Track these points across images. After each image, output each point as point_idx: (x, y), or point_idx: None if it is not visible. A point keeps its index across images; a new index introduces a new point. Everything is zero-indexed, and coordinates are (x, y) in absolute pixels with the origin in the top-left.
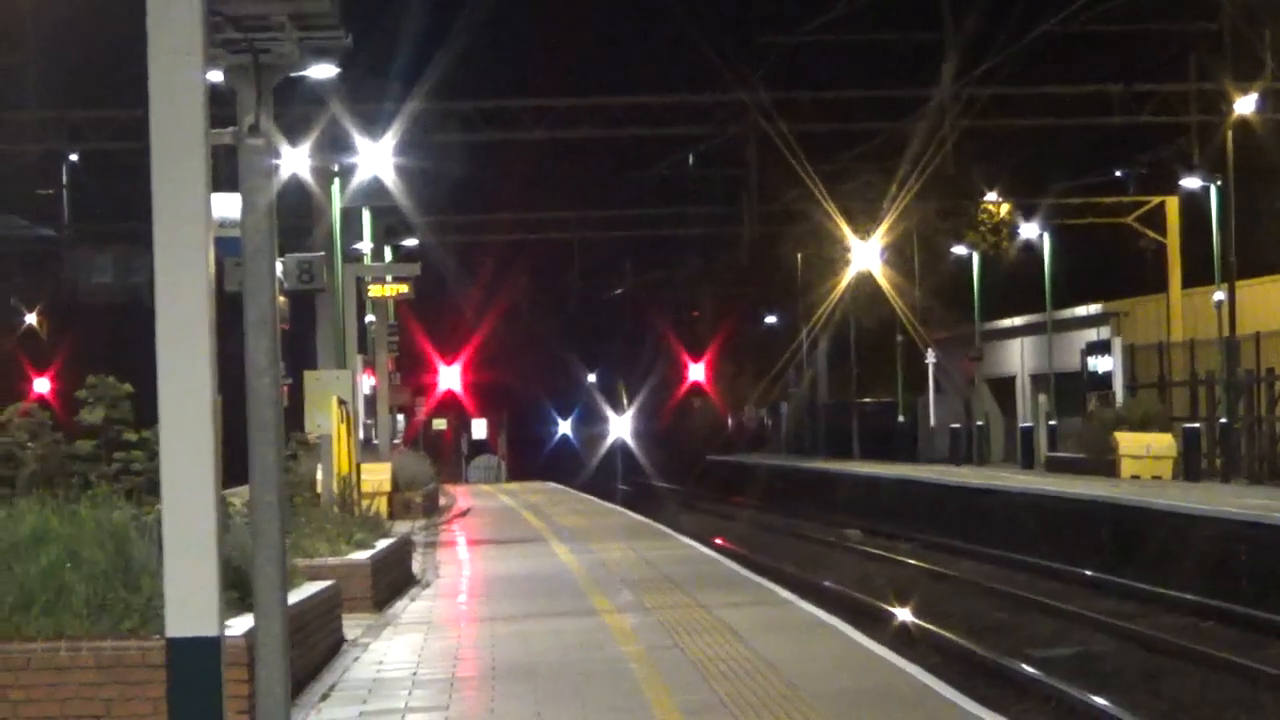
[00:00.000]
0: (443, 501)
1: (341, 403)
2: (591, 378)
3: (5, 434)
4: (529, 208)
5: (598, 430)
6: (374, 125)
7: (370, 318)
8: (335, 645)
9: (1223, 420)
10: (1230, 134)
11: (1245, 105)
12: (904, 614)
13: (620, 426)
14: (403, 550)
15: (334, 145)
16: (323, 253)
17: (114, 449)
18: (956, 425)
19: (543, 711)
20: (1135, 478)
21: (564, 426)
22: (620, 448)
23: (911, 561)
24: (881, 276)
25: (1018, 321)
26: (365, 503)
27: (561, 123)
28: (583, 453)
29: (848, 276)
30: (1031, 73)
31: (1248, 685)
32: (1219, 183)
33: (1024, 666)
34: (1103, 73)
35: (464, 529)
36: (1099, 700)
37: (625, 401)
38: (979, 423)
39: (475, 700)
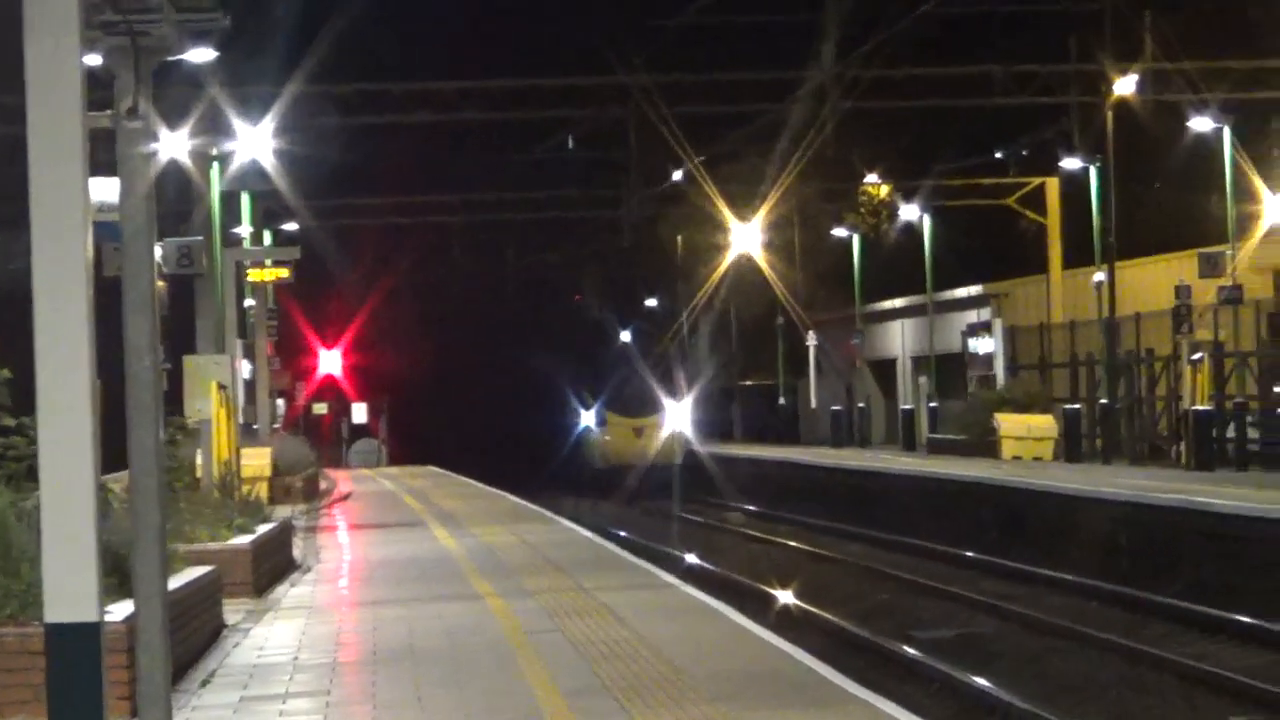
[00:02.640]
0: (323, 486)
1: (221, 387)
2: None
3: None
4: (411, 191)
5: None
6: (254, 108)
7: (250, 302)
8: (216, 631)
9: (1103, 401)
10: (1110, 115)
11: (1125, 86)
12: (788, 597)
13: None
14: (283, 535)
15: (214, 128)
16: (201, 237)
17: None
18: (838, 408)
19: (424, 695)
20: (1016, 459)
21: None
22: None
23: (795, 544)
24: (762, 259)
25: (899, 303)
26: (246, 488)
27: (444, 106)
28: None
29: (728, 259)
30: (914, 54)
31: (1130, 665)
32: (1099, 164)
33: (907, 648)
34: (985, 54)
35: (345, 513)
36: (981, 681)
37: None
38: (860, 405)
39: (357, 685)
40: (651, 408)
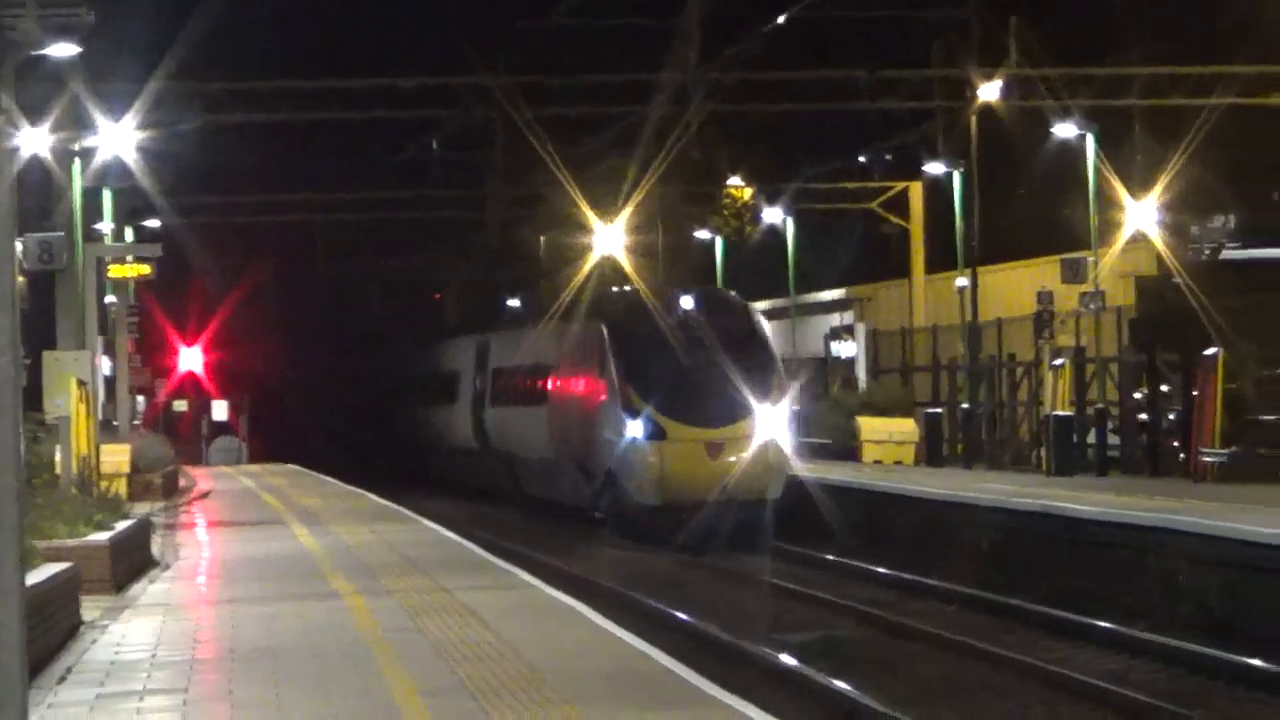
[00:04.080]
0: (183, 483)
1: (81, 384)
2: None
3: None
4: (275, 190)
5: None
6: (118, 105)
7: (111, 299)
8: (73, 627)
9: (964, 406)
10: (974, 120)
11: (989, 92)
12: (651, 600)
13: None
14: (142, 532)
15: (76, 124)
16: (63, 233)
17: None
18: None
19: (282, 694)
20: (877, 462)
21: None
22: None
23: (661, 550)
24: (626, 261)
25: (762, 306)
26: (105, 484)
27: (308, 105)
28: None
29: (591, 261)
30: (779, 58)
31: (992, 669)
32: (963, 169)
33: (766, 650)
34: (850, 59)
35: (204, 511)
36: (839, 683)
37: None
38: None
39: (214, 683)
40: (738, 410)
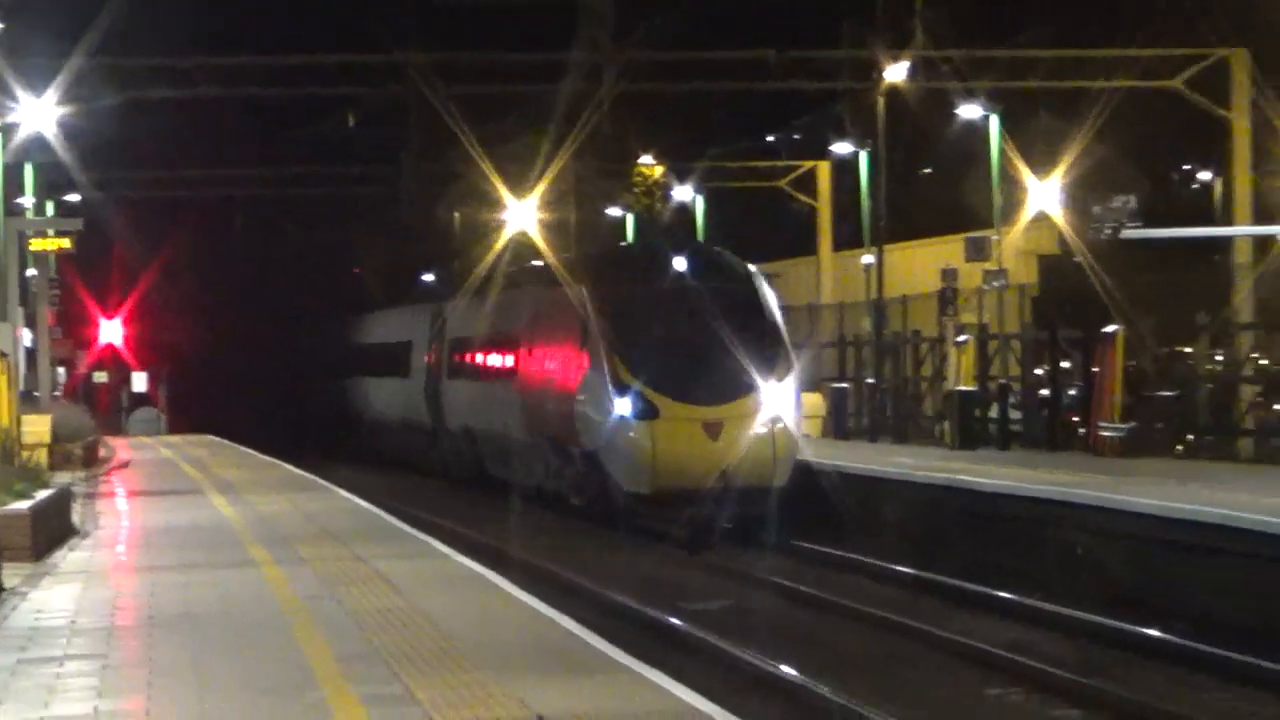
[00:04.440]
0: (103, 453)
1: (1, 355)
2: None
3: None
4: (195, 165)
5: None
6: (39, 80)
7: (32, 271)
8: None
9: (870, 381)
10: (881, 101)
11: (896, 73)
12: (563, 570)
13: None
14: (63, 501)
15: None
16: None
17: None
18: None
19: (200, 659)
20: None
21: None
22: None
23: (575, 520)
24: (539, 237)
25: None
26: (25, 454)
27: (227, 81)
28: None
29: (505, 236)
30: (691, 37)
31: (901, 639)
32: (870, 149)
33: (675, 620)
34: (761, 39)
35: (124, 480)
36: (745, 655)
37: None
38: None
39: (134, 648)
40: (740, 386)
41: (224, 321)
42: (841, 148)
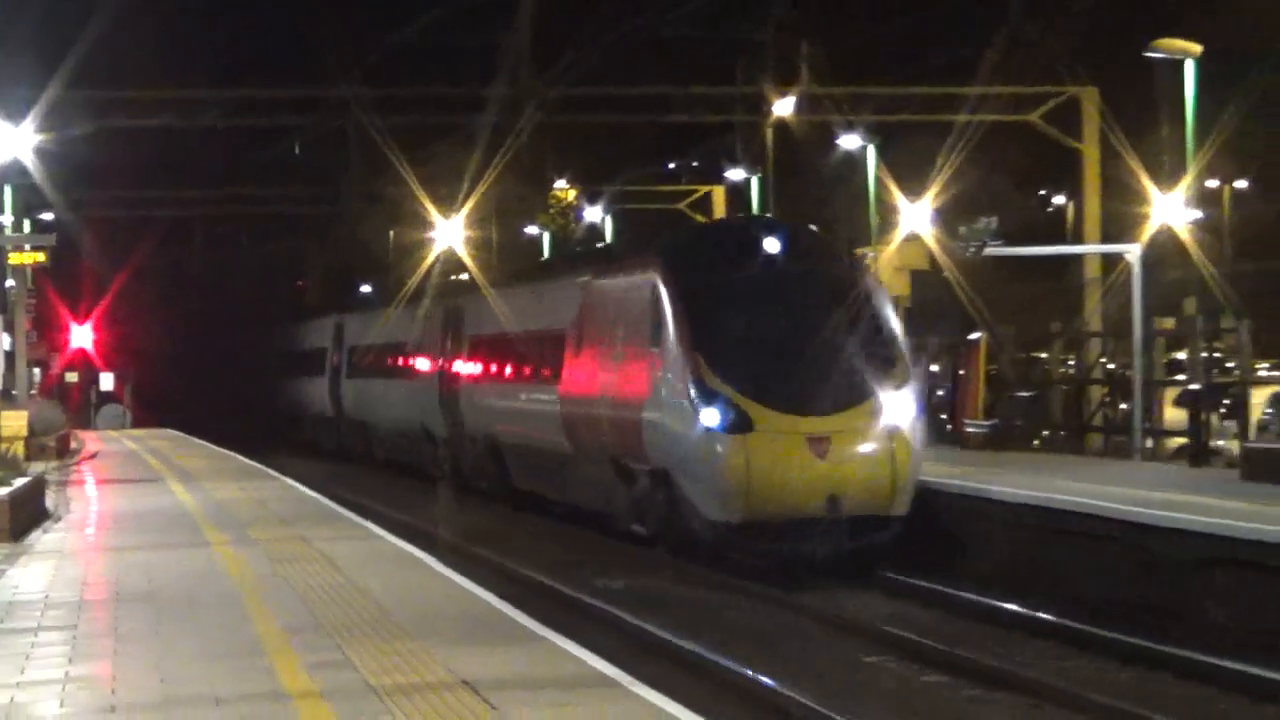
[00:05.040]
0: (74, 445)
1: None
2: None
3: None
4: (157, 186)
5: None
6: (15, 111)
7: (10, 282)
8: None
9: None
10: (770, 132)
11: (783, 107)
12: (485, 551)
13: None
14: (38, 488)
15: None
16: None
17: None
18: None
19: (161, 630)
20: None
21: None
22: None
23: (496, 507)
24: (465, 254)
25: None
26: (3, 446)
27: (188, 111)
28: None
29: (434, 253)
30: (602, 74)
31: (791, 615)
32: (759, 175)
33: (585, 597)
34: (665, 76)
35: (93, 470)
36: (649, 625)
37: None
38: None
39: (102, 620)
40: (852, 392)
41: (183, 327)
42: (735, 174)
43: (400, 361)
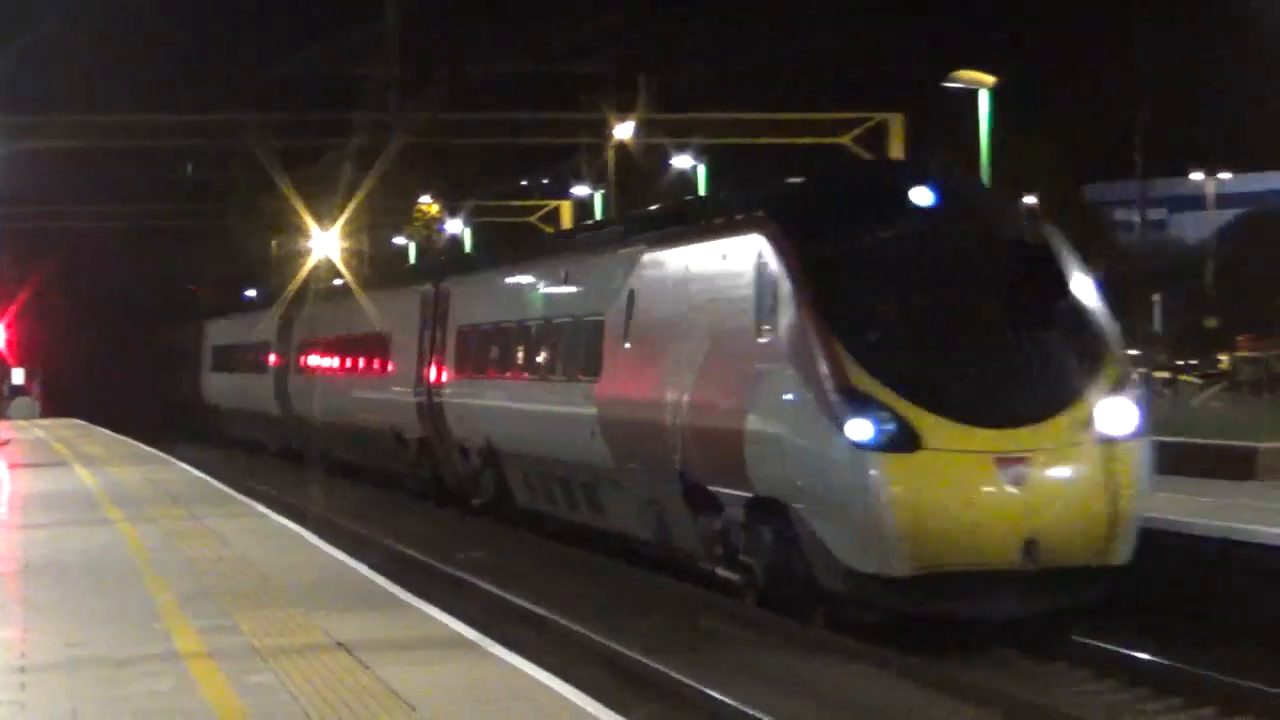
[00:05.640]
0: None
1: None
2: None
3: None
4: (68, 200)
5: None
6: None
7: None
8: None
9: None
10: (612, 154)
11: (623, 132)
12: (357, 526)
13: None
14: None
15: None
16: None
17: None
18: None
19: (66, 598)
20: None
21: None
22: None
23: (370, 488)
24: (340, 261)
25: None
26: None
27: (97, 134)
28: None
29: (312, 259)
30: (464, 101)
31: (613, 584)
32: (603, 191)
33: (443, 565)
34: (517, 102)
35: (4, 455)
36: (494, 587)
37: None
38: None
39: (12, 589)
40: (1056, 395)
41: (89, 328)
42: (581, 190)
43: (362, 360)
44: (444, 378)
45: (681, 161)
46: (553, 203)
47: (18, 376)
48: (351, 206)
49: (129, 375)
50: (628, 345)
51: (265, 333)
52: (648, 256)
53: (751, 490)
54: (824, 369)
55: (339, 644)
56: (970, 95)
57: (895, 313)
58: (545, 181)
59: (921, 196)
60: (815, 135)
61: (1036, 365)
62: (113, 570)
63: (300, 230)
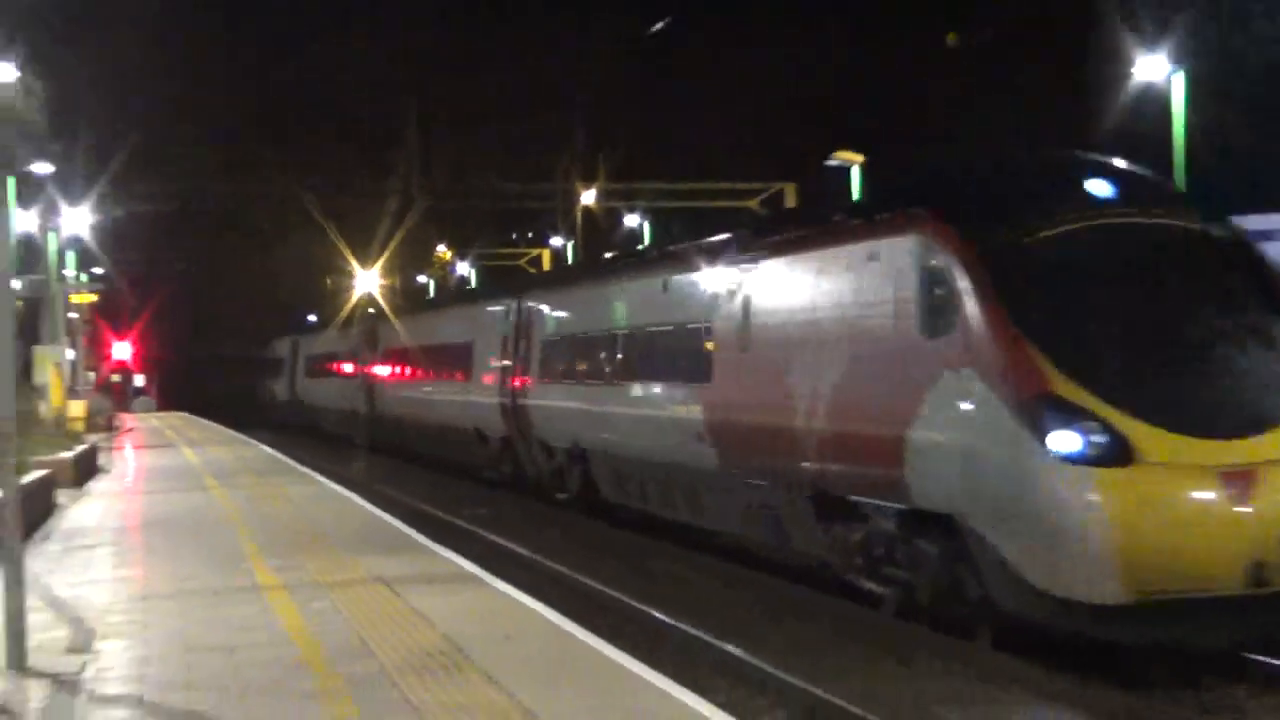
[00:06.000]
0: (116, 424)
1: (56, 364)
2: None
3: None
4: (168, 247)
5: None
6: (71, 195)
7: (73, 314)
8: (51, 507)
9: None
10: (579, 214)
11: (588, 197)
12: (386, 488)
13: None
14: (93, 451)
15: (50, 211)
16: (44, 276)
17: None
18: None
19: (175, 545)
20: None
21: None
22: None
23: (396, 459)
24: (379, 294)
25: None
26: (70, 424)
27: (188, 198)
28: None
29: (356, 293)
30: (469, 170)
31: (583, 543)
32: (574, 242)
33: (453, 519)
34: (510, 174)
35: (130, 440)
36: (496, 537)
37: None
38: None
39: (136, 538)
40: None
41: (192, 343)
42: (557, 241)
43: (445, 367)
44: (527, 383)
45: (632, 220)
46: (535, 250)
47: (139, 381)
48: (387, 252)
49: (226, 378)
50: (741, 352)
51: (353, 345)
52: (765, 264)
53: (908, 502)
54: (1016, 374)
55: (378, 578)
56: (846, 170)
57: (1093, 313)
58: (529, 235)
59: (1101, 189)
60: (729, 200)
61: (1253, 369)
62: (209, 524)
63: (345, 270)
